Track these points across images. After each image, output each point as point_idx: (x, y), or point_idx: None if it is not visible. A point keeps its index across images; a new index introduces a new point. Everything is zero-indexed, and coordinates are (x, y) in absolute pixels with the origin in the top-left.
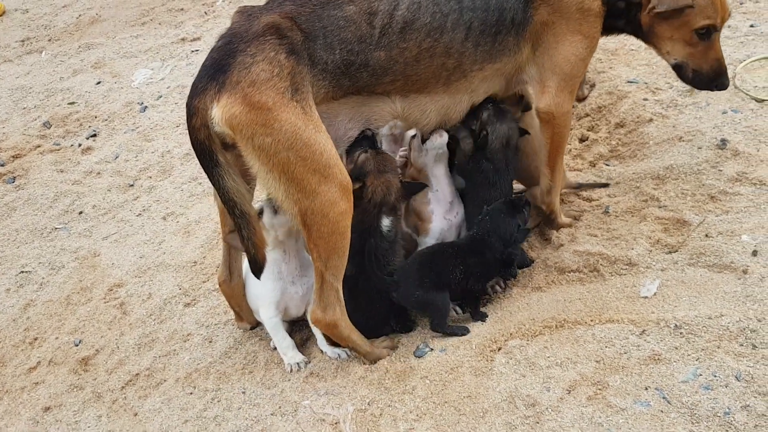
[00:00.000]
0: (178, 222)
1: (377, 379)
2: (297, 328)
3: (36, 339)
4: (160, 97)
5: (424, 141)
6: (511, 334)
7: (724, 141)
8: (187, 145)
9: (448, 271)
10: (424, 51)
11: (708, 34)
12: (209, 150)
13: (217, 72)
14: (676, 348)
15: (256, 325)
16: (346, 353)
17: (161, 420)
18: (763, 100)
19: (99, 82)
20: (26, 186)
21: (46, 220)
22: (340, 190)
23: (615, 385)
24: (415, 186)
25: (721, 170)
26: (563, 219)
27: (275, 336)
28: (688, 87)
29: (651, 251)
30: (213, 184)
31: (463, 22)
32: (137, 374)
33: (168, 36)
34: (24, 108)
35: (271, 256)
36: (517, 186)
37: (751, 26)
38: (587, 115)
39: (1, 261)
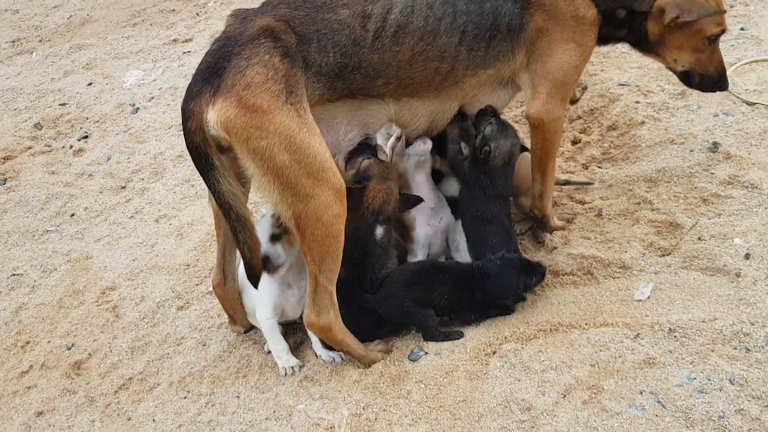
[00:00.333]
0: (170, 224)
1: (372, 383)
2: (291, 331)
3: (28, 342)
4: (152, 98)
5: (408, 145)
6: (505, 337)
7: (715, 144)
8: (180, 147)
9: (433, 295)
10: (417, 54)
11: (715, 39)
12: (205, 153)
13: (212, 75)
14: (671, 351)
15: (250, 328)
16: (341, 357)
17: (155, 425)
18: (754, 103)
19: (90, 84)
20: (17, 188)
21: (37, 222)
22: (333, 194)
23: (610, 389)
24: (412, 199)
25: (713, 173)
26: (556, 222)
27: (270, 338)
28: (679, 90)
29: (644, 254)
30: (208, 188)
31: (457, 27)
32: (130, 378)
33: (159, 37)
34: (15, 109)
35: None
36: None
37: (742, 29)
38: (579, 117)
39: None
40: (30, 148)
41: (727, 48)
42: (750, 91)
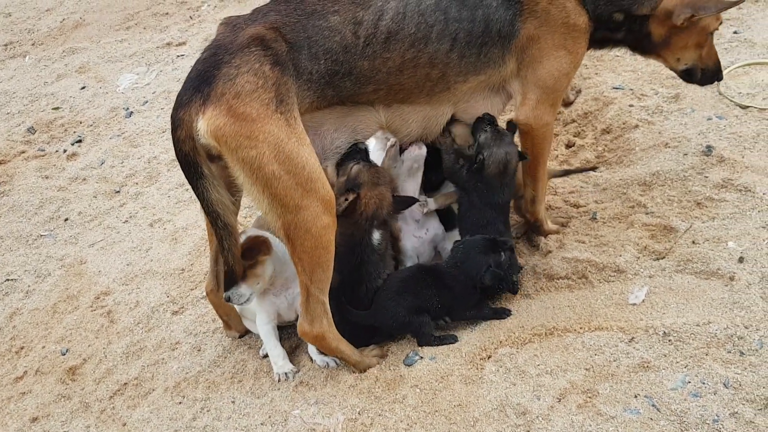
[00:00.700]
0: (165, 229)
1: (367, 387)
2: (286, 335)
3: (22, 348)
4: (146, 102)
5: (402, 150)
6: (500, 341)
7: (709, 147)
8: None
9: (425, 299)
10: (408, 61)
11: (713, 33)
12: (194, 162)
13: (201, 84)
14: (665, 355)
15: (245, 333)
16: (335, 362)
17: (150, 430)
18: (748, 107)
19: (84, 87)
20: (11, 192)
21: (31, 227)
22: (322, 205)
23: (605, 393)
24: (406, 200)
25: (707, 177)
26: (550, 226)
27: (268, 343)
28: (673, 93)
29: (639, 258)
30: (197, 196)
31: (449, 33)
32: (125, 383)
33: (153, 41)
34: (7, 113)
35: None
36: None
37: (735, 33)
38: (573, 121)
39: None
40: (23, 152)
41: (720, 51)
42: (743, 94)
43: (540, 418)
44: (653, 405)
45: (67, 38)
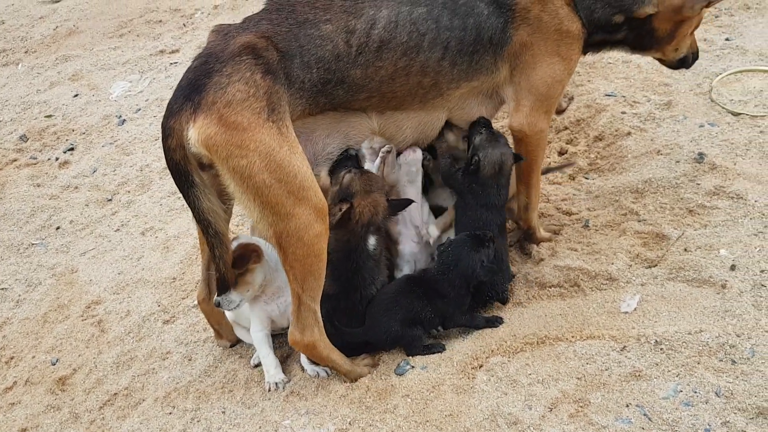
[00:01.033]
0: (157, 237)
1: (358, 397)
2: (277, 344)
3: (12, 358)
4: (139, 110)
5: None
6: (492, 350)
7: (701, 155)
8: None
9: (418, 311)
10: (400, 70)
11: None
12: (185, 170)
13: (192, 92)
14: (657, 364)
15: (236, 342)
16: (326, 371)
17: None
18: (739, 114)
19: (76, 95)
20: (2, 201)
21: (22, 235)
22: (314, 213)
23: (596, 403)
24: (402, 202)
25: (698, 184)
26: (543, 233)
27: (261, 350)
28: (665, 100)
29: (631, 266)
30: (188, 204)
31: (440, 42)
32: (115, 394)
33: (146, 48)
34: (0, 121)
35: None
36: None
37: (727, 40)
38: (566, 128)
39: None
40: (15, 160)
41: (712, 58)
42: (735, 101)
43: (531, 428)
44: (645, 414)
45: (60, 46)
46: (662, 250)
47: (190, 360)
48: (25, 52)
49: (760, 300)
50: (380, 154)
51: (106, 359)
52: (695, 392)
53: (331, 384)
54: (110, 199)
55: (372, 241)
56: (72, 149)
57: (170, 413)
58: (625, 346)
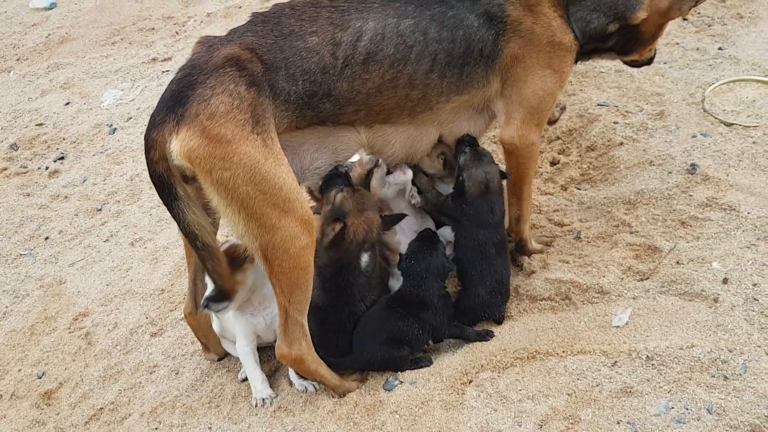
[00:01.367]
0: (146, 248)
1: (346, 413)
2: (265, 358)
3: None
4: (130, 118)
5: (388, 174)
6: (482, 365)
7: (693, 166)
8: None
9: (405, 331)
10: (387, 82)
11: None
12: (168, 183)
13: (175, 104)
14: (648, 380)
15: (224, 356)
16: (314, 386)
17: None
18: (732, 124)
19: (68, 103)
20: None
21: (11, 245)
22: (300, 225)
23: (587, 419)
24: (395, 218)
25: (691, 195)
26: (534, 245)
27: (247, 365)
28: (657, 110)
29: (622, 279)
30: (173, 217)
31: (428, 54)
32: (101, 408)
33: (139, 56)
34: None
35: None
36: None
37: (720, 49)
38: (558, 138)
39: None
40: (5, 169)
41: (705, 68)
42: (728, 111)
43: None
44: (636, 431)
45: (52, 53)
46: (654, 263)
47: (177, 374)
48: (17, 60)
49: (752, 314)
50: (366, 166)
51: (92, 372)
52: (687, 409)
53: (318, 399)
54: (100, 209)
55: (365, 258)
56: (62, 158)
57: (156, 429)
58: (616, 362)
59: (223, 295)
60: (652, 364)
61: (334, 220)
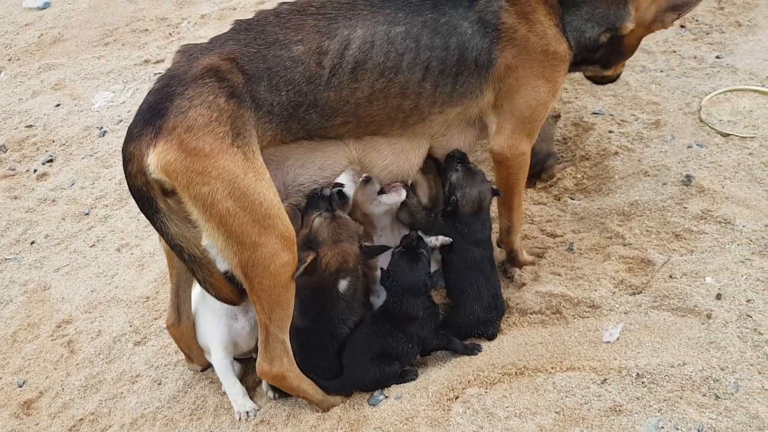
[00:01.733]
0: (132, 254)
1: (329, 428)
2: (250, 369)
3: None
4: (121, 121)
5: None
6: (469, 381)
7: (689, 177)
8: None
9: (394, 347)
10: (378, 92)
11: None
12: (148, 197)
13: (153, 116)
14: (638, 398)
15: (208, 366)
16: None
17: None
18: (729, 135)
19: (58, 105)
20: None
21: None
22: (281, 242)
23: None
24: (376, 249)
25: (686, 207)
26: (525, 257)
27: (225, 381)
28: (653, 120)
29: (614, 293)
30: (156, 230)
31: (421, 62)
32: (81, 419)
33: (131, 57)
34: None
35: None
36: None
37: (717, 57)
38: None
39: None
40: None
41: (702, 77)
42: (724, 121)
43: None
44: None
45: (44, 54)
46: (647, 277)
47: (159, 384)
48: (9, 60)
49: (745, 332)
50: (358, 183)
51: (73, 382)
52: (677, 429)
53: (302, 413)
54: (87, 213)
55: (344, 284)
56: (51, 161)
57: None
58: (605, 379)
59: (228, 303)
60: (643, 382)
61: (306, 248)
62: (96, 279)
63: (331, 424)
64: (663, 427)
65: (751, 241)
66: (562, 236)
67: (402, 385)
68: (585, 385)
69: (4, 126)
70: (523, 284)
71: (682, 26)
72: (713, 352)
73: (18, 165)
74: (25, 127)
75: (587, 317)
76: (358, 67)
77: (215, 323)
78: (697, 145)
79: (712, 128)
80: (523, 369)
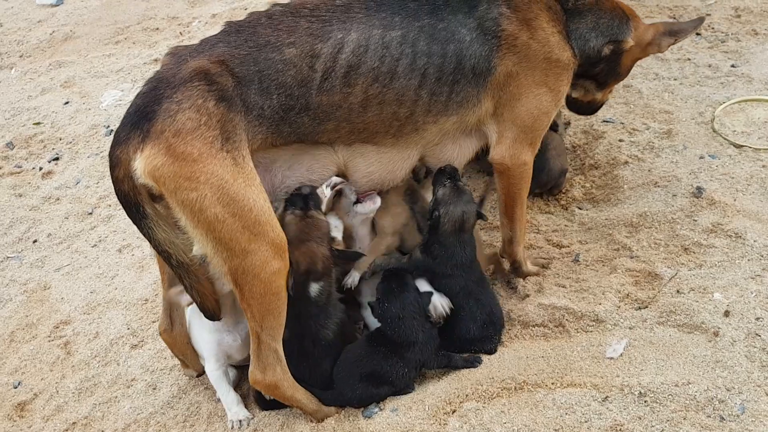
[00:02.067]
0: (133, 255)
1: None
2: (246, 377)
3: None
4: None
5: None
6: (467, 395)
7: (699, 189)
8: None
9: (388, 371)
10: (372, 97)
11: None
12: (135, 202)
13: (141, 120)
14: (640, 418)
15: (203, 372)
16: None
17: None
18: (742, 146)
19: (67, 102)
20: None
21: None
22: (272, 249)
23: None
24: (350, 255)
25: (695, 220)
26: (530, 267)
27: (220, 389)
28: (665, 129)
29: (620, 307)
30: (144, 236)
31: (417, 68)
32: (74, 423)
33: (141, 56)
34: None
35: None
36: None
37: (733, 66)
38: None
39: None
40: (0, 168)
41: (716, 86)
42: (738, 132)
43: None
44: None
45: (55, 51)
46: (654, 291)
47: (154, 389)
48: (20, 57)
49: (753, 351)
50: (334, 187)
51: (68, 384)
52: None
53: (296, 423)
54: (90, 213)
55: (314, 288)
56: (57, 159)
57: None
58: (607, 397)
59: (207, 314)
60: (645, 401)
61: None
62: (96, 280)
63: None
64: None
65: (762, 256)
66: (568, 247)
67: (398, 397)
68: (586, 403)
69: (13, 123)
70: (527, 296)
71: (697, 33)
72: (719, 371)
73: (24, 162)
74: (33, 124)
75: (591, 331)
76: (351, 72)
77: (206, 334)
78: (710, 156)
79: (725, 139)
80: (522, 384)
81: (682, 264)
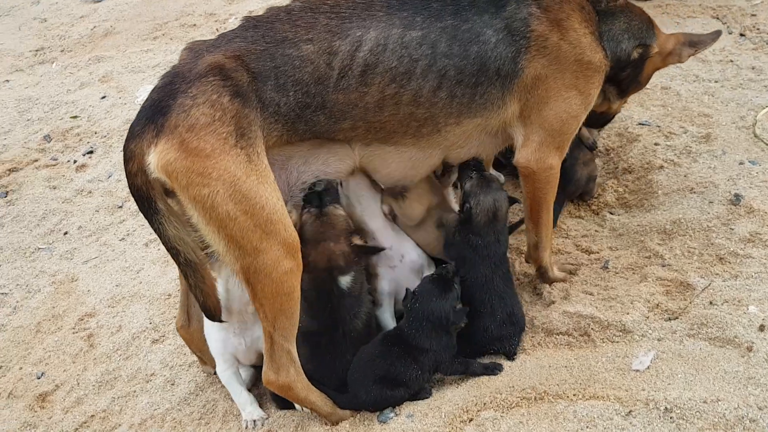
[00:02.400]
0: (159, 249)
1: None
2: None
3: (0, 367)
4: None
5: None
6: (485, 403)
7: (738, 196)
8: None
9: (402, 372)
10: (388, 98)
11: None
12: (148, 197)
13: (156, 114)
14: None
15: None
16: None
17: None
18: None
19: (104, 97)
20: (17, 202)
21: (31, 239)
22: (283, 248)
23: None
24: (370, 249)
25: (732, 229)
26: (556, 273)
27: (232, 390)
28: (704, 133)
29: (648, 317)
30: (154, 231)
31: (436, 70)
32: (93, 415)
33: (177, 52)
34: (28, 119)
35: None
36: None
37: None
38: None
39: None
40: (36, 160)
41: (759, 89)
42: None
43: None
44: None
45: (95, 46)
46: (685, 301)
47: (172, 384)
48: (62, 51)
49: None
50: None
51: (89, 377)
52: None
53: (310, 425)
54: (120, 206)
55: (345, 279)
56: (91, 152)
57: None
58: (631, 411)
59: (208, 313)
60: (671, 417)
61: None
62: (122, 273)
63: None
64: None
65: None
66: (597, 253)
67: (414, 402)
68: (608, 416)
69: (51, 116)
70: (552, 302)
71: (741, 35)
72: (751, 388)
73: (60, 155)
74: (71, 117)
75: (617, 342)
76: (367, 70)
77: (214, 333)
78: (750, 162)
79: (767, 145)
80: (543, 394)
81: (717, 274)
